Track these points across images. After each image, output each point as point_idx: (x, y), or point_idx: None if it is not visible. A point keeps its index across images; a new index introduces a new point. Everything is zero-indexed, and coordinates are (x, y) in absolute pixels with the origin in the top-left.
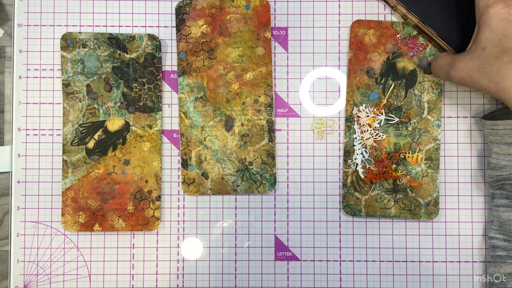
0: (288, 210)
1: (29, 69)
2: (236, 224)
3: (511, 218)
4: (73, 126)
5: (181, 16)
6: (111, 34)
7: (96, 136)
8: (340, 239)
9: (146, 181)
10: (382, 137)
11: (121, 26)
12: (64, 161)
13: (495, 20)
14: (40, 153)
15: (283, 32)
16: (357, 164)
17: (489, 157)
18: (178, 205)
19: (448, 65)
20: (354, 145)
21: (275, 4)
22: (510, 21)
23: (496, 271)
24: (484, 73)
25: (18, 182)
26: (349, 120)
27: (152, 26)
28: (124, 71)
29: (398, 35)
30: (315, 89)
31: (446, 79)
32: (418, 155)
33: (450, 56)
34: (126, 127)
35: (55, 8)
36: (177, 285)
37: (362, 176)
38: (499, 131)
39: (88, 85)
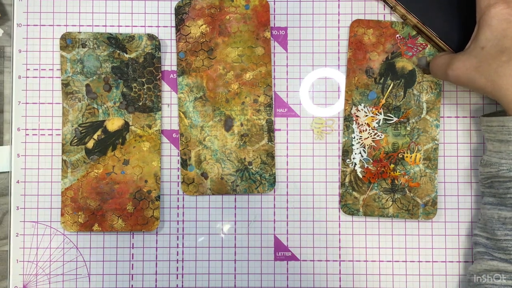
0: (287, 210)
1: (29, 69)
2: (235, 224)
3: (494, 216)
4: (72, 126)
5: (181, 16)
6: (110, 34)
7: (95, 136)
8: (339, 239)
9: (146, 181)
10: (380, 137)
11: (121, 26)
12: (64, 161)
13: (495, 20)
14: (40, 153)
15: (283, 32)
16: (355, 164)
17: (483, 154)
18: (178, 205)
19: (445, 64)
20: (353, 145)
21: (274, 4)
22: (511, 21)
23: (474, 268)
24: (481, 72)
25: (18, 182)
26: (348, 119)
27: (151, 26)
28: (124, 71)
29: (397, 35)
30: (314, 89)
31: (443, 78)
32: (416, 155)
33: (448, 56)
34: (126, 127)
35: (54, 8)
36: (177, 285)
37: (360, 176)
38: (493, 128)
39: (87, 85)
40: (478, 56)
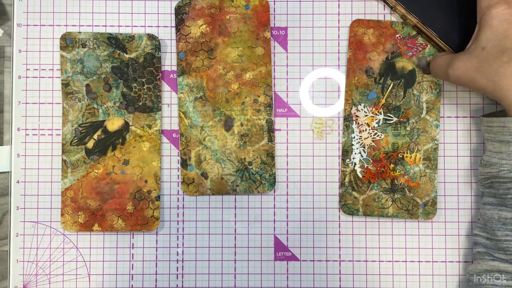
0: (287, 210)
1: (29, 69)
2: (235, 224)
3: (494, 217)
4: (72, 126)
5: (181, 16)
6: (110, 34)
7: (95, 136)
8: (339, 239)
9: (146, 181)
10: (380, 137)
11: (121, 26)
12: (64, 161)
13: (496, 20)
14: (40, 153)
15: (283, 32)
16: (355, 164)
17: (483, 154)
18: (178, 205)
19: (446, 64)
20: (352, 145)
21: (274, 4)
22: None
23: (474, 268)
24: (482, 72)
25: (18, 182)
26: (348, 119)
27: (151, 26)
28: (124, 71)
29: (397, 35)
30: (314, 89)
31: (444, 78)
32: (416, 155)
33: (448, 56)
34: (126, 127)
35: (54, 8)
36: (177, 285)
37: (360, 176)
38: (493, 128)
39: (87, 85)
40: (479, 57)
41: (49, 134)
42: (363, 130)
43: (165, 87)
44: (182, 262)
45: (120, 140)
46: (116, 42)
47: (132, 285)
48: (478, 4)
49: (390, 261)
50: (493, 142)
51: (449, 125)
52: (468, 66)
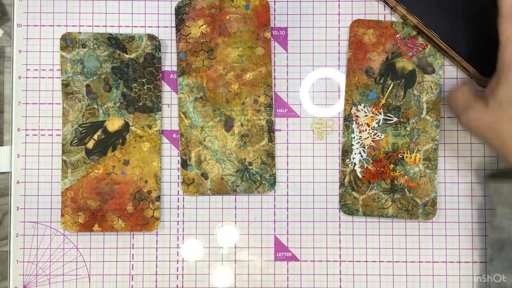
0: (287, 210)
1: (29, 69)
2: (235, 224)
3: (508, 285)
4: (72, 126)
5: (181, 16)
6: (110, 34)
7: (95, 136)
8: (340, 239)
9: (146, 181)
10: (380, 137)
11: (121, 26)
12: (64, 161)
13: None
14: (40, 153)
15: (283, 32)
16: (355, 164)
17: (493, 218)
18: (178, 206)
19: (462, 109)
20: (352, 145)
21: (274, 4)
22: None
23: None
24: (495, 130)
25: (18, 182)
26: (348, 119)
27: (151, 26)
28: (124, 71)
29: (398, 35)
30: (314, 89)
31: (456, 115)
32: (416, 155)
33: (466, 98)
34: (126, 127)
35: (54, 8)
36: (177, 285)
37: (360, 176)
38: (504, 192)
39: (87, 85)
40: (494, 112)
41: (49, 135)
42: (363, 130)
43: (165, 87)
44: (182, 262)
45: (120, 141)
46: (116, 43)
47: (132, 286)
48: (501, 56)
49: (391, 262)
50: (503, 205)
51: (449, 125)
52: (482, 119)
